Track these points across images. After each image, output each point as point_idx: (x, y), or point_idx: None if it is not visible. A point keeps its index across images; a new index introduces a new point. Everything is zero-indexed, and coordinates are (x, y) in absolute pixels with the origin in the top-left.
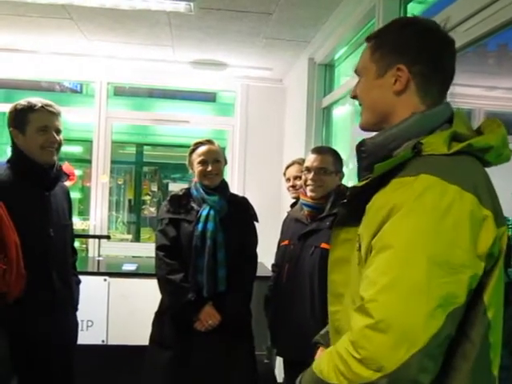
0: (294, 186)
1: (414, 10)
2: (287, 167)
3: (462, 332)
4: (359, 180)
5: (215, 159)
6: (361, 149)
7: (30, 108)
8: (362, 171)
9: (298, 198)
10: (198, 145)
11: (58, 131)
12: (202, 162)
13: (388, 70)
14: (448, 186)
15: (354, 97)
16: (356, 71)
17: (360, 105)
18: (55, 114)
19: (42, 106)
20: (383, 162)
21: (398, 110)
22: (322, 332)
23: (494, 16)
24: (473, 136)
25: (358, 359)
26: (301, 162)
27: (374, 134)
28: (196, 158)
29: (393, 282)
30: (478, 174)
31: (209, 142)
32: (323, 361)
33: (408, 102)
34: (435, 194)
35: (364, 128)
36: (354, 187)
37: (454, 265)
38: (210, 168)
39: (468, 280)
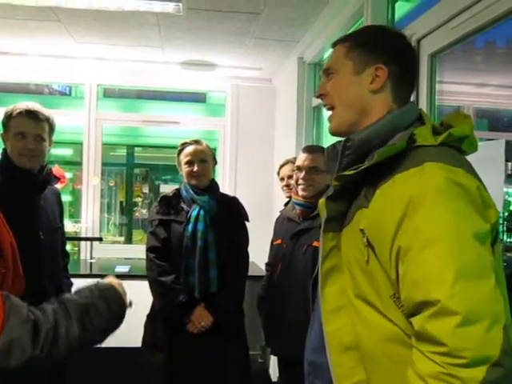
0: (288, 186)
1: (401, 8)
2: (281, 166)
3: None
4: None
5: (202, 159)
6: (346, 145)
7: (11, 114)
8: (340, 170)
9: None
10: (184, 145)
11: (39, 138)
12: (189, 163)
13: (366, 69)
14: (454, 169)
15: (321, 95)
16: (326, 70)
17: (325, 106)
18: (37, 120)
19: (22, 112)
20: (362, 160)
21: (373, 109)
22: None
23: (481, 13)
24: (445, 129)
25: (465, 364)
26: (294, 161)
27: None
28: (183, 158)
29: (460, 272)
30: (466, 161)
31: (196, 142)
32: None
33: (382, 100)
34: (448, 176)
35: (336, 131)
36: (341, 175)
37: (483, 235)
38: (196, 168)
39: (490, 246)
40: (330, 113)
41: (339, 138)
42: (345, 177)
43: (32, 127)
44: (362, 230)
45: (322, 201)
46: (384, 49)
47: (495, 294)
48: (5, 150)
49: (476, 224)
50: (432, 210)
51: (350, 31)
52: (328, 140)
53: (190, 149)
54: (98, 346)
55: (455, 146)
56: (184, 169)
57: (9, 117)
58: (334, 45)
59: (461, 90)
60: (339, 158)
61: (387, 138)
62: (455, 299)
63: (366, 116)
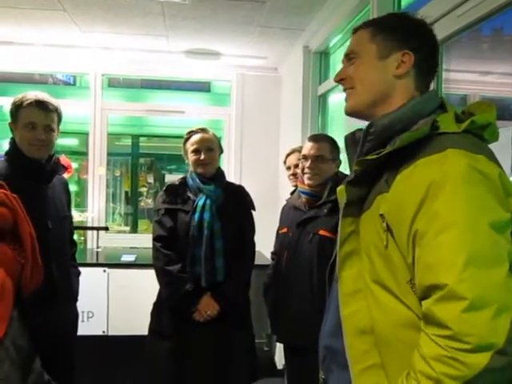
0: (294, 175)
1: None
2: (287, 155)
3: None
4: (352, 167)
5: (208, 147)
6: (369, 130)
7: (21, 104)
8: (362, 155)
9: None
10: (191, 133)
11: (49, 128)
12: (195, 151)
13: (391, 54)
14: (476, 156)
15: (341, 80)
16: (349, 54)
17: (345, 89)
18: (46, 111)
19: (32, 102)
20: (383, 146)
21: (396, 93)
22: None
23: (488, 0)
24: (468, 117)
25: (469, 349)
26: (300, 150)
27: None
28: (190, 146)
29: (471, 258)
30: (488, 148)
31: (202, 130)
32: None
33: (406, 86)
34: (470, 163)
35: (352, 110)
36: (364, 160)
37: (502, 224)
38: (203, 157)
39: (510, 235)
40: (346, 94)
41: (356, 126)
42: (367, 161)
43: (42, 118)
44: (381, 214)
45: (340, 188)
46: (411, 35)
47: (507, 283)
48: (13, 139)
49: (495, 212)
50: (451, 195)
51: (357, 19)
52: (334, 129)
53: (196, 137)
54: (106, 334)
55: (477, 134)
56: (190, 157)
57: (18, 107)
58: (355, 30)
59: (467, 78)
60: (361, 143)
61: (409, 124)
62: (463, 284)
63: (387, 100)
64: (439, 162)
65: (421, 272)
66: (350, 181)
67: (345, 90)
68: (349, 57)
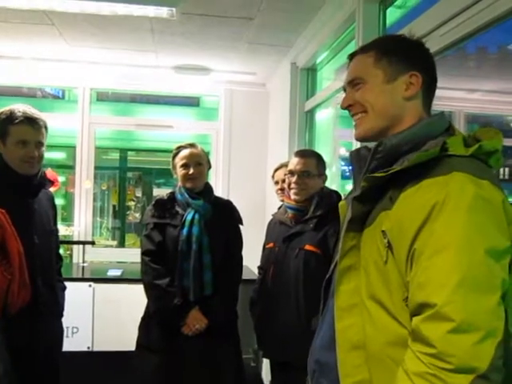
0: (282, 189)
1: (392, 15)
2: (276, 170)
3: None
4: (356, 182)
5: (197, 162)
6: (378, 149)
7: (11, 120)
8: (368, 172)
9: None
10: (180, 148)
11: (40, 144)
12: (184, 166)
13: (399, 76)
14: (481, 182)
15: (348, 106)
16: (353, 80)
17: (353, 115)
18: (37, 127)
19: (23, 119)
20: (390, 165)
21: (405, 115)
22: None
23: (471, 19)
24: (474, 142)
25: (450, 369)
26: None
27: (360, 144)
28: (178, 161)
29: (463, 281)
30: (493, 174)
31: (191, 145)
32: None
33: (415, 107)
34: (474, 188)
35: (364, 135)
36: (371, 177)
37: (499, 252)
38: (191, 171)
39: (507, 264)
40: (357, 118)
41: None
42: (375, 178)
43: (33, 135)
44: (383, 231)
45: (342, 202)
46: (414, 56)
47: (497, 311)
48: None
49: (493, 239)
50: (452, 217)
51: (343, 36)
52: (320, 144)
53: (185, 152)
54: (90, 350)
55: (483, 160)
56: (179, 172)
57: (6, 123)
58: (352, 56)
59: (452, 95)
60: (368, 161)
61: (417, 145)
62: (452, 305)
63: (398, 123)
64: (444, 184)
65: (413, 289)
66: (356, 197)
67: (352, 116)
68: (353, 83)
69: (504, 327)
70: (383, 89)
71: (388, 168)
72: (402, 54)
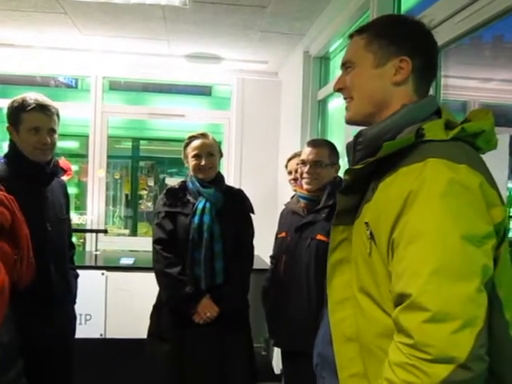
0: (295, 179)
1: (407, 1)
2: (289, 160)
3: None
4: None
5: (209, 153)
6: (358, 140)
7: (23, 107)
8: (354, 164)
9: None
10: (191, 138)
11: (52, 131)
12: (196, 156)
13: (388, 61)
14: (457, 166)
15: (340, 89)
16: (345, 63)
17: (345, 98)
18: (49, 114)
19: (35, 106)
20: (375, 154)
21: (394, 101)
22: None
23: (488, 6)
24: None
25: (429, 360)
26: None
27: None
28: (190, 151)
29: (437, 270)
30: (477, 156)
31: (203, 135)
32: None
33: (405, 93)
34: (449, 174)
35: (352, 120)
36: (351, 169)
37: (479, 237)
38: (203, 162)
39: (491, 250)
40: (347, 102)
41: (356, 131)
42: (354, 171)
43: (46, 121)
44: (366, 223)
45: (338, 195)
46: (406, 40)
47: (476, 298)
48: (12, 142)
49: (471, 225)
50: (425, 206)
51: (357, 24)
52: (333, 133)
53: (197, 142)
54: (103, 337)
55: (469, 142)
56: (191, 162)
57: (19, 111)
58: (351, 36)
59: (467, 84)
60: (351, 153)
61: (400, 133)
62: (426, 295)
63: (385, 108)
64: (417, 172)
65: (393, 280)
66: (340, 190)
67: (345, 99)
68: (345, 66)
69: (500, 315)
70: (372, 73)
71: (367, 159)
72: (394, 37)
